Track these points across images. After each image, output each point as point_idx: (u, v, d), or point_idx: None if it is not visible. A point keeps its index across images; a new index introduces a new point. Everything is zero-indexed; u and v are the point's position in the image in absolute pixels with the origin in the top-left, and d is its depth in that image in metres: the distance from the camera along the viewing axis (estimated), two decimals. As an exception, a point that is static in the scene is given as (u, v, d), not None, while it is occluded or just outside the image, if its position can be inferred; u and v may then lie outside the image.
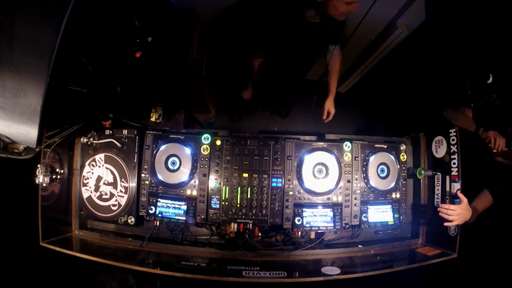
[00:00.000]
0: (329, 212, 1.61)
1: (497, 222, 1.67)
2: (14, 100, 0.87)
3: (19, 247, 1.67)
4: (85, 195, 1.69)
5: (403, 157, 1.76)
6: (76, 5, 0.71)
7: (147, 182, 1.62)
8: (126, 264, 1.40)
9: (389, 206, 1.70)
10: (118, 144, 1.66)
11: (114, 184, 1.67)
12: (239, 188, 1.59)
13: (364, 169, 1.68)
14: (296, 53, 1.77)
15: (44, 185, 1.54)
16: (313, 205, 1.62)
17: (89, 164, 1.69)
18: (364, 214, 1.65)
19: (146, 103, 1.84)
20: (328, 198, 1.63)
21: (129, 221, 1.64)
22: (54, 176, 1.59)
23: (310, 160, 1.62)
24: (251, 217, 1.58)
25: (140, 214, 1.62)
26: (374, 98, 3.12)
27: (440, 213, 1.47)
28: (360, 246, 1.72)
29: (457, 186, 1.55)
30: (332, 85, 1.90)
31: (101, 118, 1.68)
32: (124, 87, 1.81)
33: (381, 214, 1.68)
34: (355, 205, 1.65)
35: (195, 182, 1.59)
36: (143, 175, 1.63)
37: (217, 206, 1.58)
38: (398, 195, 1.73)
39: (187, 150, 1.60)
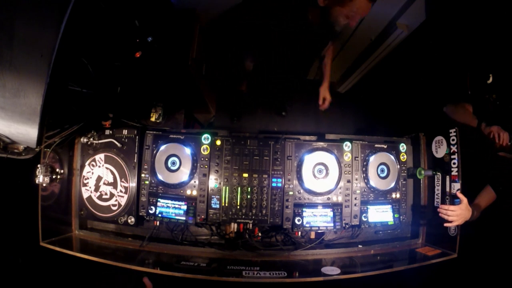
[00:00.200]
0: (329, 212, 1.61)
1: (497, 222, 1.67)
2: (14, 100, 0.87)
3: (19, 247, 1.68)
4: (85, 195, 1.69)
5: (403, 157, 1.76)
6: (76, 5, 0.71)
7: (147, 182, 1.62)
8: (126, 264, 1.40)
9: (389, 206, 1.70)
10: (118, 144, 1.66)
11: (114, 184, 1.67)
12: (239, 188, 1.59)
13: (364, 169, 1.68)
14: (296, 53, 1.77)
15: (44, 185, 1.54)
16: (313, 205, 1.62)
17: (89, 164, 1.69)
18: (364, 214, 1.65)
19: (146, 103, 1.84)
20: (328, 198, 1.63)
21: (129, 221, 1.64)
22: (54, 176, 1.59)
23: (310, 160, 1.62)
24: (251, 217, 1.58)
25: (140, 214, 1.62)
26: (374, 98, 3.12)
27: (440, 214, 1.47)
28: (360, 246, 1.72)
29: (457, 186, 1.55)
30: (326, 72, 1.93)
31: (101, 118, 1.68)
32: (124, 87, 1.81)
33: (381, 214, 1.68)
34: (355, 205, 1.65)
35: (195, 182, 1.59)
36: (143, 175, 1.63)
37: (217, 206, 1.58)
38: (398, 195, 1.73)
39: (187, 150, 1.60)
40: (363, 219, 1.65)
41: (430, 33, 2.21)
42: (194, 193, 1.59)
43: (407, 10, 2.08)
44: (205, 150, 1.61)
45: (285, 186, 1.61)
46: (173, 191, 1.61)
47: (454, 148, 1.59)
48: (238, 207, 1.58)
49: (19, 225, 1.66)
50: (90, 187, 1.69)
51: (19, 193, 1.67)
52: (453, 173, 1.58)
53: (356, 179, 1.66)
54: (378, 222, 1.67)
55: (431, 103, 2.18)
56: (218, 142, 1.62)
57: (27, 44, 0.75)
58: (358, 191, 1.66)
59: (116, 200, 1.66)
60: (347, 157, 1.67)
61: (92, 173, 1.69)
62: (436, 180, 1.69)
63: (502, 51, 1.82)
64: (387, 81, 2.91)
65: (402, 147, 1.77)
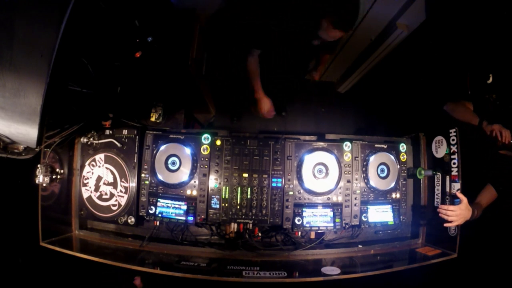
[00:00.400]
0: (329, 212, 1.61)
1: (498, 222, 1.67)
2: (14, 100, 0.87)
3: (19, 247, 1.68)
4: (85, 195, 1.69)
5: (403, 157, 1.76)
6: (76, 5, 0.71)
7: (147, 182, 1.62)
8: (126, 264, 1.40)
9: (389, 206, 1.70)
10: (118, 144, 1.66)
11: (114, 184, 1.66)
12: (239, 188, 1.59)
13: (364, 169, 1.68)
14: (296, 53, 1.77)
15: (44, 185, 1.54)
16: (313, 205, 1.61)
17: (89, 164, 1.69)
18: (364, 214, 1.65)
19: (146, 103, 1.84)
20: (328, 198, 1.63)
21: (129, 221, 1.64)
22: (54, 176, 1.59)
23: (310, 160, 1.62)
24: (251, 217, 1.57)
25: (140, 214, 1.62)
26: (374, 98, 3.12)
27: (439, 214, 1.47)
28: (360, 246, 1.72)
29: (457, 186, 1.55)
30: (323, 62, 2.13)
31: (101, 118, 1.68)
32: (124, 87, 1.81)
33: (381, 214, 1.68)
34: (355, 205, 1.64)
35: (195, 182, 1.59)
36: (143, 175, 1.63)
37: (217, 206, 1.58)
38: (398, 195, 1.73)
39: (187, 150, 1.60)
40: (363, 219, 1.64)
41: (430, 33, 2.21)
42: (194, 193, 1.59)
43: (407, 10, 2.08)
44: (205, 150, 1.61)
45: (285, 186, 1.61)
46: (173, 191, 1.61)
47: (454, 148, 1.59)
48: (238, 207, 1.58)
49: (19, 225, 1.67)
50: (90, 187, 1.69)
51: (19, 193, 1.67)
52: (453, 173, 1.58)
53: (356, 179, 1.66)
54: (378, 222, 1.67)
55: (431, 103, 2.18)
56: (218, 142, 1.62)
57: (27, 44, 0.75)
58: (358, 191, 1.66)
59: (116, 200, 1.66)
60: (347, 157, 1.67)
61: (92, 173, 1.69)
62: (436, 180, 1.69)
63: (502, 51, 1.82)
64: (387, 81, 2.91)
65: (402, 147, 1.77)
